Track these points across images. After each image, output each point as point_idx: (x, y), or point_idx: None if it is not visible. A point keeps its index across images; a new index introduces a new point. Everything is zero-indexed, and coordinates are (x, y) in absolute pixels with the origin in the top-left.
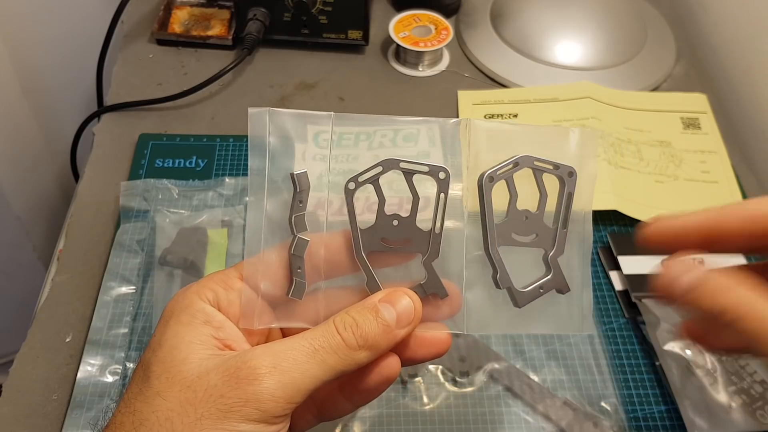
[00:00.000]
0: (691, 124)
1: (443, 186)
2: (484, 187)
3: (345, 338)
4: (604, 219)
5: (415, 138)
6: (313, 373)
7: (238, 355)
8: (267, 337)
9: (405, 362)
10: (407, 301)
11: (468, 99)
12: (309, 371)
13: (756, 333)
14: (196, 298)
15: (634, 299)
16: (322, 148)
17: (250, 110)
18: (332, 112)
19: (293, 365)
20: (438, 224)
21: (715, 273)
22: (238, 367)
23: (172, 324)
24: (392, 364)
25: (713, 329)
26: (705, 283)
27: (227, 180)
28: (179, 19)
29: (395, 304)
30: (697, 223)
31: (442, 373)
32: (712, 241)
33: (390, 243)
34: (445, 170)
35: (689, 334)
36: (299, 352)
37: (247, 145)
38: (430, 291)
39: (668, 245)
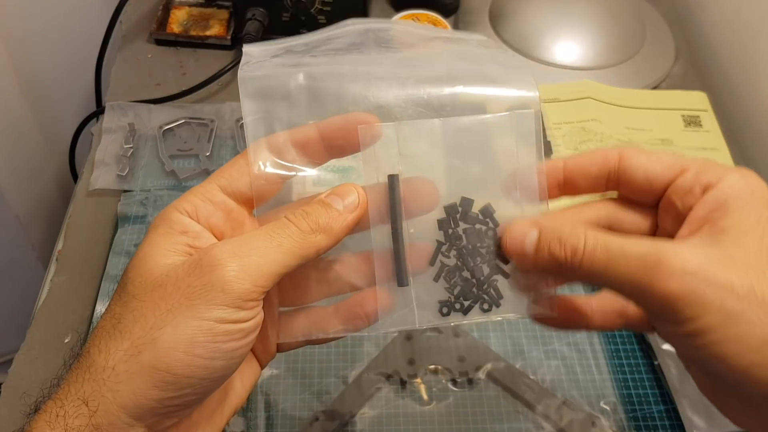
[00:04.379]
0: (692, 121)
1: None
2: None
3: (297, 224)
4: None
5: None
6: (273, 257)
7: (202, 250)
8: None
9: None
10: (354, 197)
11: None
12: (268, 255)
13: (606, 265)
14: (175, 211)
15: None
16: None
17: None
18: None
19: (252, 250)
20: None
21: (549, 220)
22: (200, 258)
23: (151, 235)
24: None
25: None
26: (546, 233)
27: None
28: (178, 19)
29: (344, 199)
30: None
31: (442, 373)
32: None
33: None
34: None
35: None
36: (257, 239)
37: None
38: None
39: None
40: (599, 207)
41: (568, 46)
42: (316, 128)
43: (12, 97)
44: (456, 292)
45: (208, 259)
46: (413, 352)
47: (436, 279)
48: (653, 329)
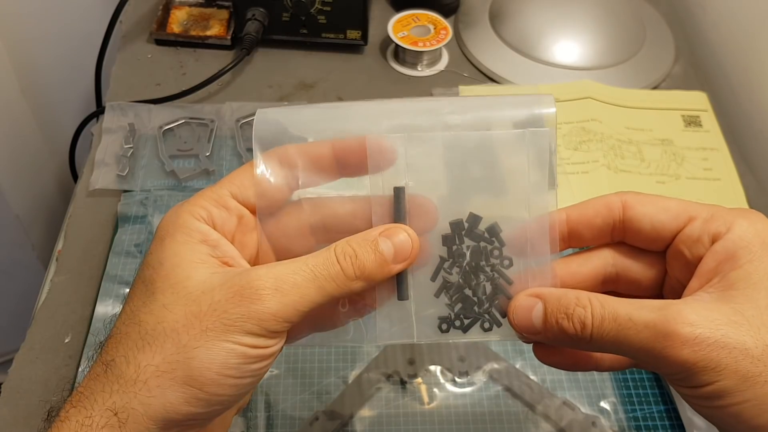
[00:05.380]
0: (692, 121)
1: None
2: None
3: (344, 268)
4: None
5: None
6: (312, 297)
7: (242, 274)
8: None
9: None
10: (405, 237)
11: (469, 95)
12: (307, 295)
13: (617, 337)
14: (190, 217)
15: None
16: None
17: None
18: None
19: (293, 289)
20: None
21: (554, 292)
22: (242, 286)
23: (169, 243)
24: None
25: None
26: (551, 303)
27: None
28: (178, 19)
29: (393, 239)
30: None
31: (442, 373)
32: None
33: None
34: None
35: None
36: (300, 276)
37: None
38: None
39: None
40: (606, 254)
41: (568, 46)
42: (330, 145)
43: (12, 98)
44: (457, 309)
45: (249, 291)
46: (413, 352)
47: (437, 295)
48: None
